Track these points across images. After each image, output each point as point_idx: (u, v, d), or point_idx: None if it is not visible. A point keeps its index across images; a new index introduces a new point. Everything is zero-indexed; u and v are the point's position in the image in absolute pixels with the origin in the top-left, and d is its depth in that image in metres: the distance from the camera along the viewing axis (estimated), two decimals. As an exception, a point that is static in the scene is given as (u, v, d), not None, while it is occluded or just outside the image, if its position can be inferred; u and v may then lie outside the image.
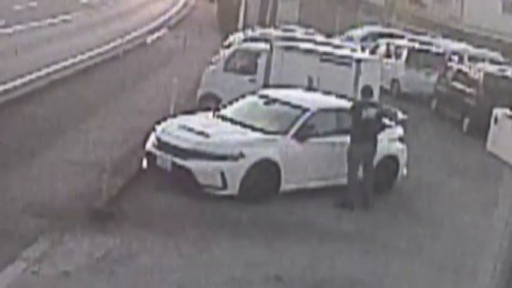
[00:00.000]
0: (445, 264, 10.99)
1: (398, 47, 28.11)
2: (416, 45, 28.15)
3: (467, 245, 11.77)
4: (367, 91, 13.42)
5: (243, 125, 12.91)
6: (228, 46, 21.52)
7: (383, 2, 47.48)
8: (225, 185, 12.00)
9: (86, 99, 18.17)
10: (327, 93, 15.05)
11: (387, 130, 14.19)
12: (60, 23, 31.44)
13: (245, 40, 21.71)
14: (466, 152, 19.34)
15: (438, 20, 43.70)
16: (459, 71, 23.61)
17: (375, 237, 11.75)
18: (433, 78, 25.51)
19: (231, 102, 14.19)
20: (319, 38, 24.26)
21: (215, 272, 9.36)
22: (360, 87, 16.62)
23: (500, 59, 28.80)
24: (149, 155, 12.63)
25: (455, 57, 26.93)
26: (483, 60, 27.08)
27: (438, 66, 25.77)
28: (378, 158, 13.82)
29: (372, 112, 13.05)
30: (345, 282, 9.83)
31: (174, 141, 12.33)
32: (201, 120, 13.39)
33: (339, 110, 13.86)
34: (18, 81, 18.18)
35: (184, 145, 12.17)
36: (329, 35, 28.84)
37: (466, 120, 22.00)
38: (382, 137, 13.99)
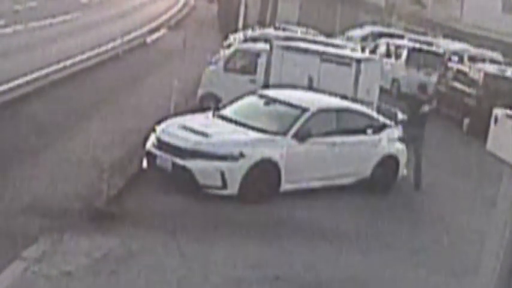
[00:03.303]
0: (445, 264, 10.99)
1: (398, 47, 28.12)
2: (417, 45, 28.15)
3: (467, 244, 11.77)
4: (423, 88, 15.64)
5: (243, 125, 12.91)
6: (228, 46, 21.53)
7: (383, 2, 47.48)
8: (225, 185, 12.00)
9: (86, 99, 18.17)
10: (327, 93, 15.05)
11: (387, 130, 14.21)
12: (60, 23, 31.43)
13: (245, 40, 21.73)
14: (466, 152, 19.33)
15: (438, 20, 43.70)
16: (459, 71, 23.61)
17: (375, 237, 11.74)
18: (433, 78, 25.52)
19: (231, 102, 14.19)
20: (319, 38, 24.28)
21: (215, 272, 9.36)
22: (360, 87, 16.69)
23: (500, 59, 28.80)
24: (149, 155, 12.63)
25: (455, 57, 26.93)
26: (483, 60, 27.08)
27: (438, 66, 25.78)
28: (377, 158, 13.88)
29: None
30: (345, 282, 9.84)
31: (174, 141, 12.33)
32: (201, 120, 13.40)
33: (339, 110, 13.88)
34: (18, 81, 18.17)
35: (184, 145, 12.17)
36: (329, 35, 28.85)
37: (466, 120, 22.01)
38: (382, 137, 14.04)
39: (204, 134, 12.43)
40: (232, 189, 12.03)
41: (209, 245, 10.21)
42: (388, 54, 27.70)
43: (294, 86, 15.49)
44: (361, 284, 9.92)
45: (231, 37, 24.48)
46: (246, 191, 12.06)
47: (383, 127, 14.18)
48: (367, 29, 35.28)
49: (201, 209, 11.63)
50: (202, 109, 15.64)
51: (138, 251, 9.58)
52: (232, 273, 9.36)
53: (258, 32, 24.60)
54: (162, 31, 35.07)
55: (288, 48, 17.19)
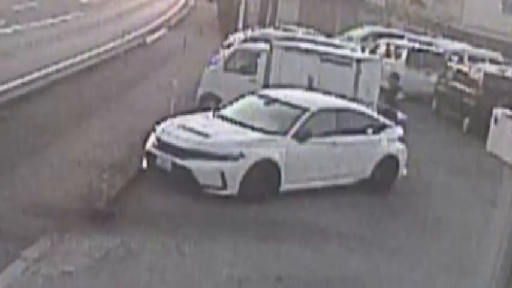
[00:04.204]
0: (445, 264, 10.99)
1: (398, 47, 28.10)
2: (416, 45, 28.15)
3: (467, 244, 11.77)
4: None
5: (243, 125, 12.91)
6: (228, 46, 21.51)
7: (383, 2, 47.46)
8: (225, 185, 12.00)
9: (86, 99, 18.16)
10: (327, 93, 15.06)
11: (387, 130, 14.21)
12: (60, 23, 31.40)
13: (245, 40, 21.71)
14: (466, 152, 19.34)
15: (438, 20, 43.69)
16: (459, 71, 23.60)
17: (375, 237, 11.75)
18: (433, 78, 25.51)
19: (231, 102, 14.19)
20: (319, 38, 24.26)
21: (215, 271, 9.36)
22: (360, 87, 16.70)
23: (500, 59, 28.80)
24: (149, 155, 12.63)
25: (455, 57, 26.93)
26: (483, 60, 27.08)
27: (438, 66, 25.78)
28: (377, 158, 13.88)
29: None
30: (345, 282, 9.84)
31: (174, 141, 12.33)
32: (201, 120, 13.39)
33: (339, 110, 13.88)
34: (18, 81, 18.17)
35: (184, 145, 12.17)
36: (329, 35, 28.83)
37: (466, 120, 22.01)
38: (382, 137, 14.04)
39: (204, 134, 12.43)
40: (232, 189, 12.03)
41: (209, 245, 10.21)
42: (388, 54, 27.68)
43: (294, 86, 15.48)
44: (361, 284, 9.92)
45: (231, 37, 24.45)
46: (246, 191, 12.06)
47: (383, 127, 14.19)
48: (367, 29, 35.26)
49: (201, 209, 11.63)
50: (202, 109, 15.63)
51: (138, 251, 9.58)
52: (233, 273, 9.36)
53: (258, 32, 24.57)
54: (162, 31, 35.06)
55: (288, 48, 17.18)
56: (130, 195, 11.69)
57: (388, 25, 41.73)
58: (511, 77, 22.12)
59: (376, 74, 17.15)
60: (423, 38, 32.99)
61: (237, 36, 23.68)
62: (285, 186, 12.61)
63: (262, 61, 17.70)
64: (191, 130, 12.59)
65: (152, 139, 12.74)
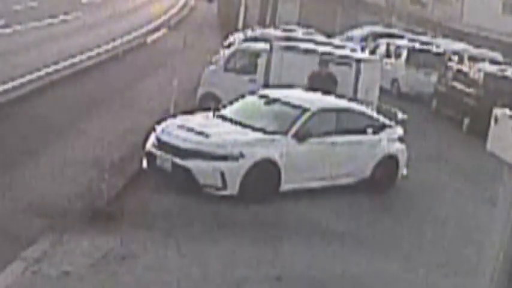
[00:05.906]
0: (445, 264, 11.00)
1: (398, 47, 28.11)
2: (416, 45, 28.14)
3: (467, 244, 11.77)
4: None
5: (243, 125, 12.91)
6: (228, 46, 21.52)
7: (383, 2, 47.48)
8: (225, 185, 11.99)
9: (86, 99, 18.17)
10: (327, 93, 15.05)
11: (387, 130, 14.21)
12: (60, 23, 31.44)
13: (245, 40, 21.71)
14: (466, 152, 19.34)
15: (438, 20, 43.70)
16: (459, 71, 23.60)
17: (375, 237, 11.75)
18: (433, 78, 25.51)
19: (231, 102, 14.20)
20: (319, 38, 24.26)
21: (215, 271, 9.36)
22: (360, 87, 16.70)
23: (500, 59, 28.79)
24: (149, 155, 12.63)
25: (455, 57, 26.94)
26: (483, 60, 27.07)
27: (438, 66, 25.78)
28: (377, 158, 13.88)
29: None
30: (345, 282, 9.83)
31: (174, 141, 12.33)
32: (201, 120, 13.40)
33: (339, 110, 13.88)
34: (18, 81, 18.18)
35: (184, 145, 12.17)
36: (329, 35, 28.83)
37: (466, 120, 22.02)
38: (382, 137, 14.04)
39: (204, 134, 12.43)
40: (232, 189, 12.03)
41: (209, 245, 10.21)
42: (388, 54, 27.69)
43: (294, 86, 15.48)
44: (361, 284, 9.92)
45: (231, 37, 24.45)
46: (246, 191, 12.06)
47: (383, 127, 14.19)
48: (367, 29, 35.26)
49: (201, 209, 11.63)
50: (202, 109, 15.63)
51: (138, 251, 9.58)
52: (233, 274, 9.36)
53: (258, 32, 24.57)
54: (162, 31, 35.07)
55: (288, 48, 17.18)
56: (130, 195, 11.69)
57: (388, 25, 41.73)
58: (511, 77, 22.12)
59: (376, 74, 17.15)
60: (423, 38, 32.98)
61: (237, 36, 23.68)
62: (285, 186, 12.61)
63: (262, 61, 17.70)
64: (191, 130, 12.59)
65: (152, 139, 12.74)
